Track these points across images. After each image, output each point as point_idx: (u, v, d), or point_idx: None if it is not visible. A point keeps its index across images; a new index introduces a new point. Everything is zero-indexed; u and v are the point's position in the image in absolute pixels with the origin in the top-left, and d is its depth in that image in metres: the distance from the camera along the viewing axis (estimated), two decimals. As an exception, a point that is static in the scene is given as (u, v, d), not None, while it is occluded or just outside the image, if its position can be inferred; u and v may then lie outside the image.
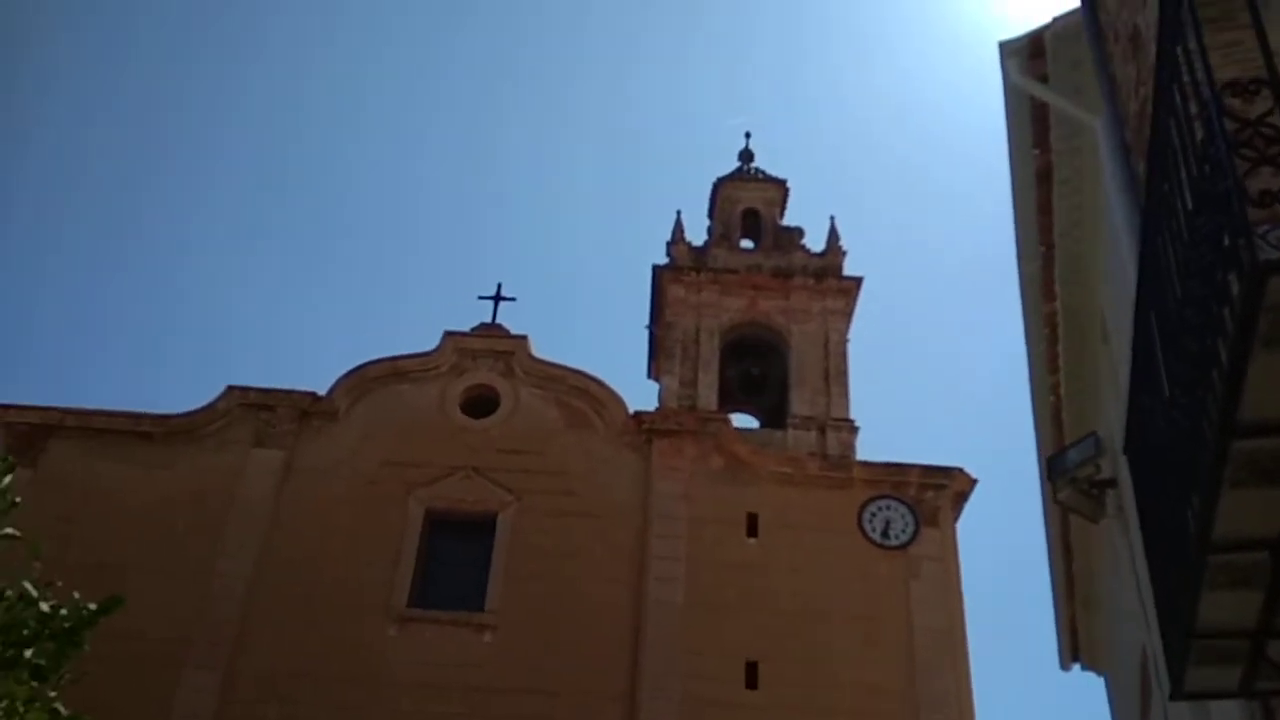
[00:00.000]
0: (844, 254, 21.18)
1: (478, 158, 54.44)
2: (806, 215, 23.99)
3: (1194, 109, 3.41)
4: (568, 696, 15.00)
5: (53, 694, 4.07)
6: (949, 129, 55.22)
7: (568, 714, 14.86)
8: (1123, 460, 6.00)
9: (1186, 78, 3.41)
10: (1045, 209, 7.78)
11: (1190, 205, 3.39)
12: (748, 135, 24.30)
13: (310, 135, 52.86)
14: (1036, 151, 7.50)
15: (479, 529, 16.56)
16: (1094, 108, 6.58)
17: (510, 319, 19.12)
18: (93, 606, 3.99)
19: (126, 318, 46.79)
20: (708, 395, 19.19)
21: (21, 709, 3.98)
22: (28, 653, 3.91)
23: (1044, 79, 7.00)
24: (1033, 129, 7.41)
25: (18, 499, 4.23)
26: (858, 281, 20.59)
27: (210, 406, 17.44)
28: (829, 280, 20.56)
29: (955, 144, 54.03)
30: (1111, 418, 7.60)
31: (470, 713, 14.80)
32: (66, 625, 3.95)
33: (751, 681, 15.36)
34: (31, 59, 44.53)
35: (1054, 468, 8.29)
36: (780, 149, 47.84)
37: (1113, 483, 7.80)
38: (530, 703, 14.91)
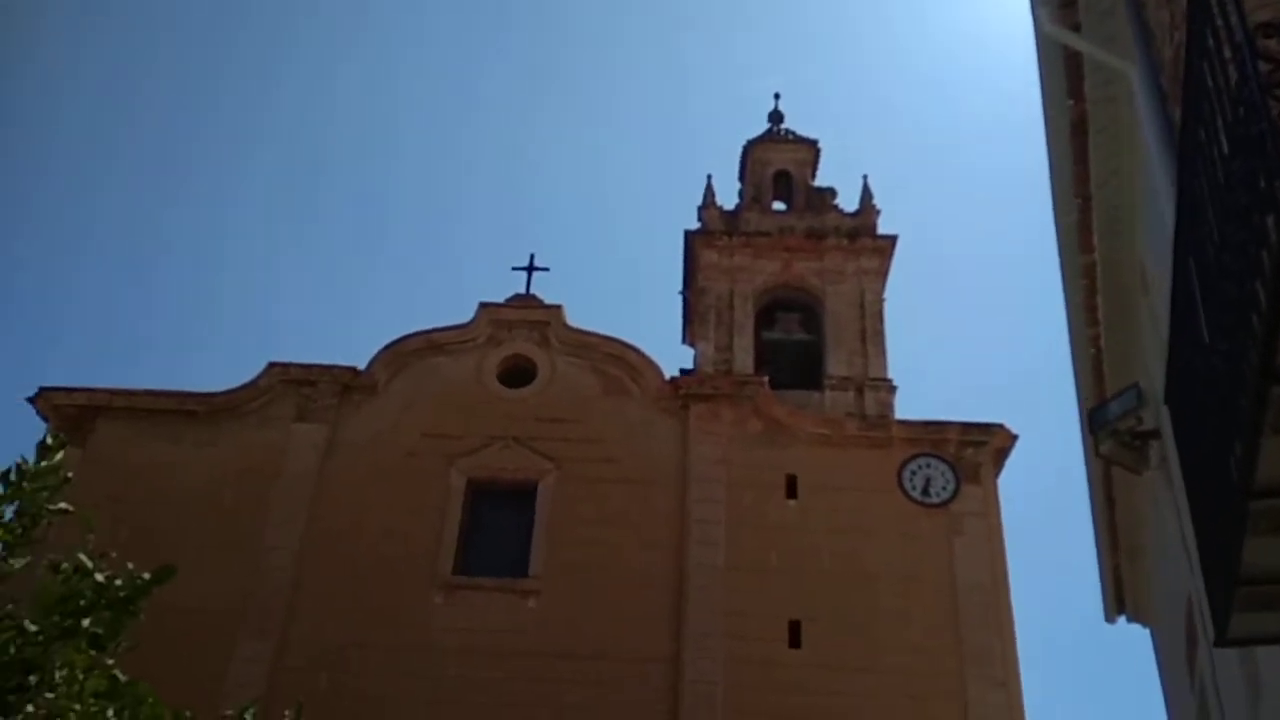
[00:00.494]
0: (878, 213, 21.02)
1: (508, 131, 54.42)
2: (839, 176, 23.87)
3: (1227, 52, 3.35)
4: (612, 659, 15.18)
5: (110, 661, 4.19)
6: (980, 83, 54.42)
7: (613, 676, 15.05)
8: (1164, 410, 5.96)
9: (1219, 21, 3.36)
10: (1081, 160, 7.67)
11: (1226, 149, 3.35)
12: (777, 96, 24.12)
13: (346, 113, 53.05)
14: (1071, 102, 7.39)
15: (520, 497, 16.72)
16: (1128, 55, 6.47)
17: (544, 289, 19.22)
18: (146, 576, 4.10)
19: (168, 299, 47.38)
20: (743, 359, 19.17)
21: (81, 676, 4.11)
22: (85, 622, 4.03)
23: (1076, 28, 6.88)
24: (1066, 79, 7.29)
25: (69, 474, 4.34)
26: (892, 240, 20.43)
27: (252, 384, 17.69)
28: (863, 240, 20.41)
29: (987, 98, 53.26)
30: (1153, 369, 7.53)
31: (516, 677, 15.02)
32: (121, 595, 4.07)
33: (795, 641, 15.46)
34: (69, 30, 44.94)
35: (1096, 421, 8.23)
36: (810, 110, 47.42)
37: (1155, 434, 7.73)
38: (575, 666, 15.10)
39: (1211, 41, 3.41)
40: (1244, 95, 3.12)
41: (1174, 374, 4.73)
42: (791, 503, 16.64)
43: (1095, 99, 7.31)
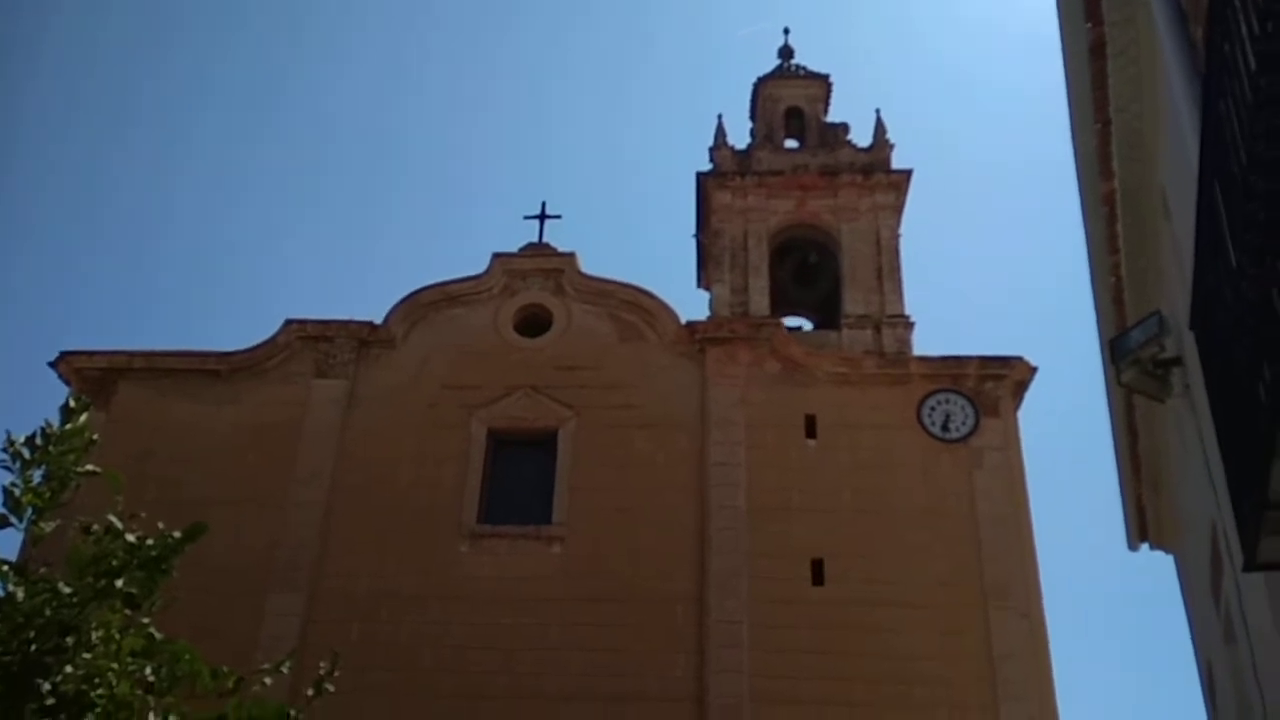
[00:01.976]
0: (892, 147, 20.75)
1: (516, 79, 53.85)
2: (851, 111, 23.53)
3: (1255, -37, 3.25)
4: (638, 602, 15.34)
5: (146, 620, 4.25)
6: (994, 8, 53.36)
7: (639, 618, 15.22)
8: (1189, 337, 5.90)
9: (1246, -69, 3.25)
10: (1100, 84, 7.53)
11: (1254, 65, 3.26)
12: (786, 31, 23.70)
13: (357, 67, 52.59)
14: (1089, 25, 7.23)
15: (541, 445, 16.80)
16: (1147, -27, 6.32)
17: (556, 237, 19.13)
18: (177, 534, 4.13)
19: (181, 260, 47.47)
20: (759, 300, 19.09)
21: (118, 636, 4.16)
22: (119, 582, 4.07)
23: (1093, -53, 6.72)
24: (1084, 1, 7.14)
25: (96, 436, 4.36)
26: (907, 175, 20.19)
27: (271, 341, 17.75)
28: (877, 175, 20.17)
29: (1002, 24, 52.29)
30: (1175, 295, 7.44)
31: (544, 622, 15.21)
32: (153, 554, 4.11)
33: (818, 578, 15.57)
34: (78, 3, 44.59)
35: (1117, 349, 8.17)
36: (820, 45, 46.68)
37: (1178, 361, 7.67)
38: (601, 610, 15.28)
39: (1237, -46, 3.31)
40: (1273, 8, 3.03)
41: (1199, 300, 4.67)
42: (811, 442, 16.65)
43: (1113, 21, 7.16)
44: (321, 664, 4.95)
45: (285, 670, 4.79)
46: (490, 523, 16.23)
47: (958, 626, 15.16)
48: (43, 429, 4.23)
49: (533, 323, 18.06)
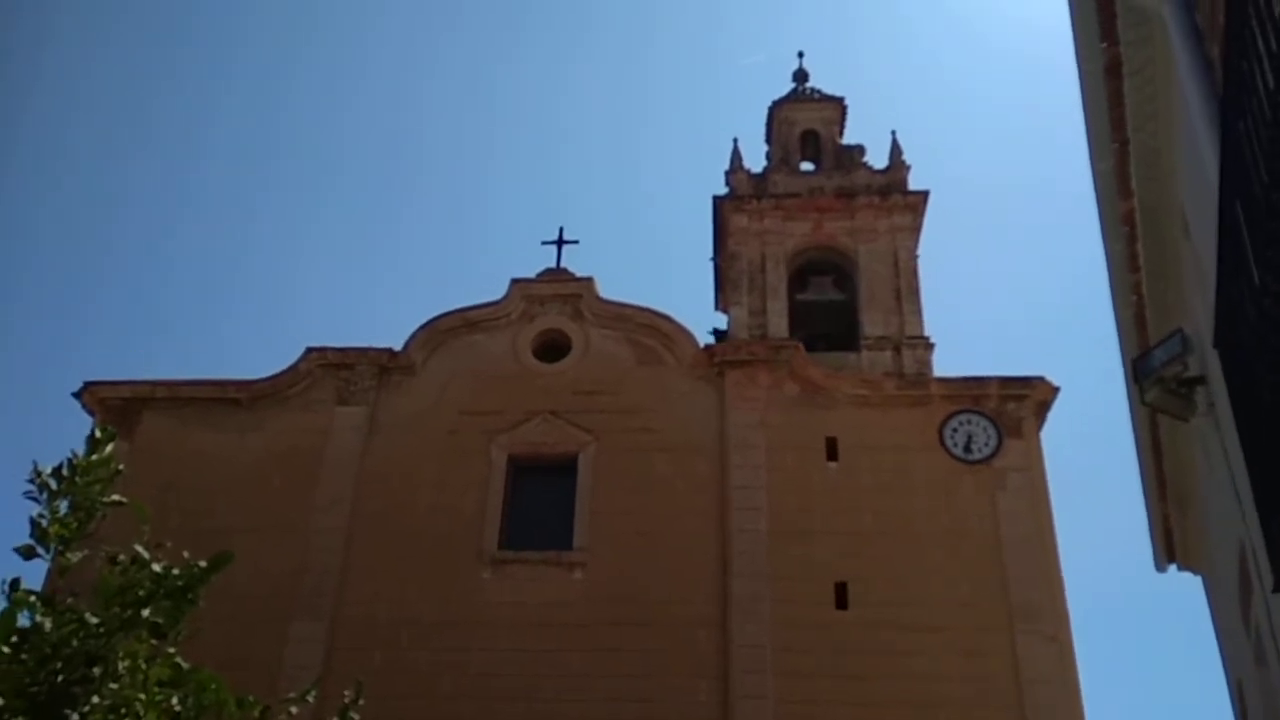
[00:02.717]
0: (908, 168, 20.76)
1: (533, 106, 54.22)
2: (867, 133, 23.53)
3: (1272, -18, 3.25)
4: (660, 626, 15.28)
5: (171, 650, 4.26)
6: (1010, 29, 53.43)
7: (661, 643, 15.15)
8: (1212, 355, 5.86)
9: (1263, -51, 3.26)
10: (1117, 104, 7.52)
11: (1272, 83, 3.26)
12: (800, 55, 23.81)
13: (373, 93, 53.10)
14: (1104, 45, 7.23)
15: (561, 470, 16.80)
16: (1162, -7, 6.32)
17: (574, 262, 19.21)
18: (203, 564, 4.16)
19: (199, 288, 47.87)
20: (778, 323, 19.08)
21: (144, 665, 4.18)
22: (145, 612, 4.09)
23: (1107, -32, 6.73)
24: (1099, 21, 7.14)
25: (121, 467, 4.40)
26: (924, 195, 20.18)
27: (292, 369, 17.86)
28: (894, 196, 20.18)
29: (1018, 45, 52.37)
30: (1198, 313, 7.40)
31: (565, 648, 15.16)
32: (180, 583, 4.13)
33: (841, 602, 15.47)
34: (89, 9, 45.21)
35: (1140, 369, 8.12)
36: (835, 68, 46.80)
37: (1202, 379, 7.62)
38: (623, 635, 15.22)
39: (1254, -27, 3.31)
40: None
41: (1223, 318, 4.65)
42: (832, 465, 16.59)
43: (1129, 40, 7.15)
44: (346, 692, 4.96)
45: (310, 699, 4.80)
46: (511, 548, 16.23)
47: (983, 649, 15.02)
48: (69, 459, 4.27)
49: (551, 348, 18.11)
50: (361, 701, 5.00)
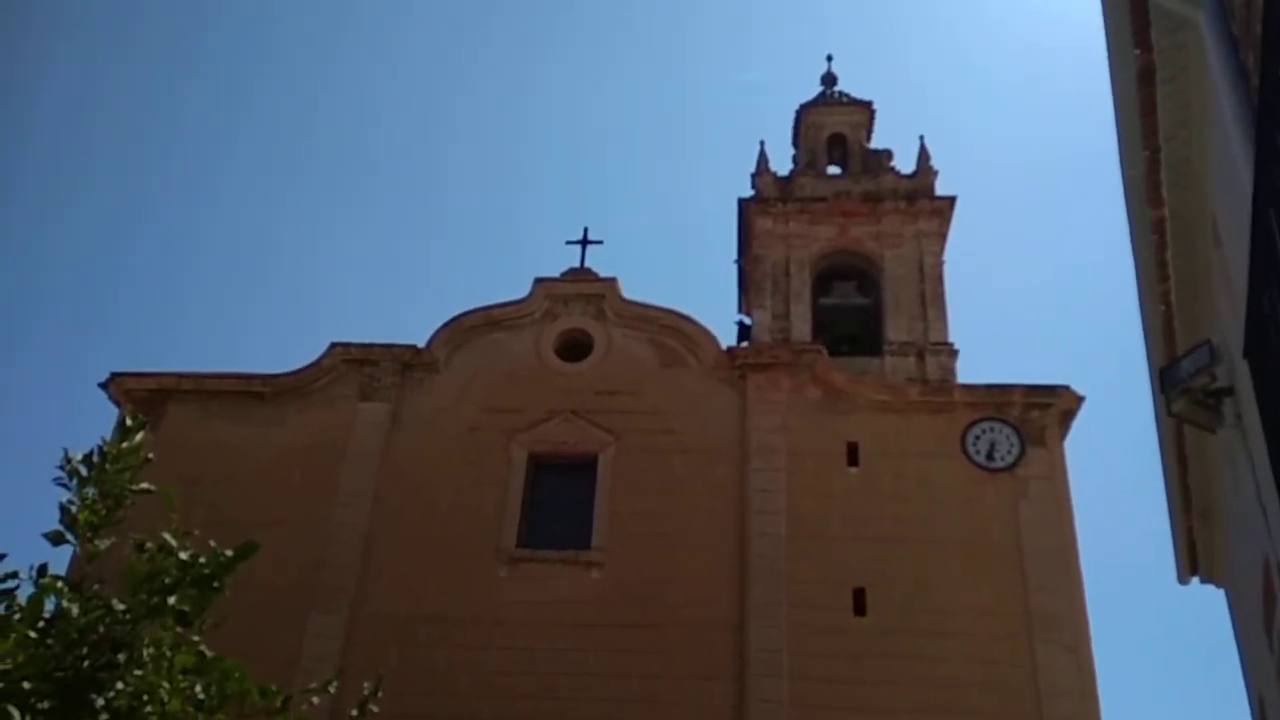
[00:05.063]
0: (935, 174, 20.67)
1: (560, 105, 54.32)
2: (895, 138, 23.47)
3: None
4: (677, 628, 15.26)
5: (196, 638, 4.30)
6: (1041, 35, 53.10)
7: (677, 645, 15.13)
8: (1241, 366, 5.81)
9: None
10: (1149, 111, 7.47)
11: (1311, 91, 3.23)
12: (829, 59, 23.77)
13: (399, 90, 53.35)
14: (1137, 51, 7.19)
15: (580, 470, 16.81)
16: (1196, 1, 6.27)
17: (598, 262, 19.22)
18: (229, 553, 4.19)
19: (227, 282, 48.20)
20: (801, 327, 19.04)
21: (169, 653, 4.22)
22: (171, 600, 4.13)
23: (1142, -26, 6.69)
24: (1132, 27, 7.09)
25: (150, 455, 4.44)
26: (951, 201, 20.09)
27: (316, 364, 17.95)
28: (921, 202, 20.10)
29: (1049, 51, 52.02)
30: (1227, 324, 7.34)
31: (582, 647, 15.17)
32: (206, 572, 4.16)
33: (860, 608, 15.40)
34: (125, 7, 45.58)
35: (1167, 379, 8.06)
36: (864, 71, 46.65)
37: (1230, 391, 7.55)
38: (640, 636, 15.21)
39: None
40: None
41: (1253, 328, 4.61)
42: (853, 470, 16.53)
43: (1162, 47, 7.11)
44: (365, 684, 4.98)
45: (332, 690, 4.83)
46: (529, 547, 16.25)
47: (1002, 659, 14.92)
48: (100, 447, 4.31)
49: (574, 347, 18.14)
50: (380, 695, 5.02)
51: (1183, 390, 7.88)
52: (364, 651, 15.13)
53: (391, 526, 16.44)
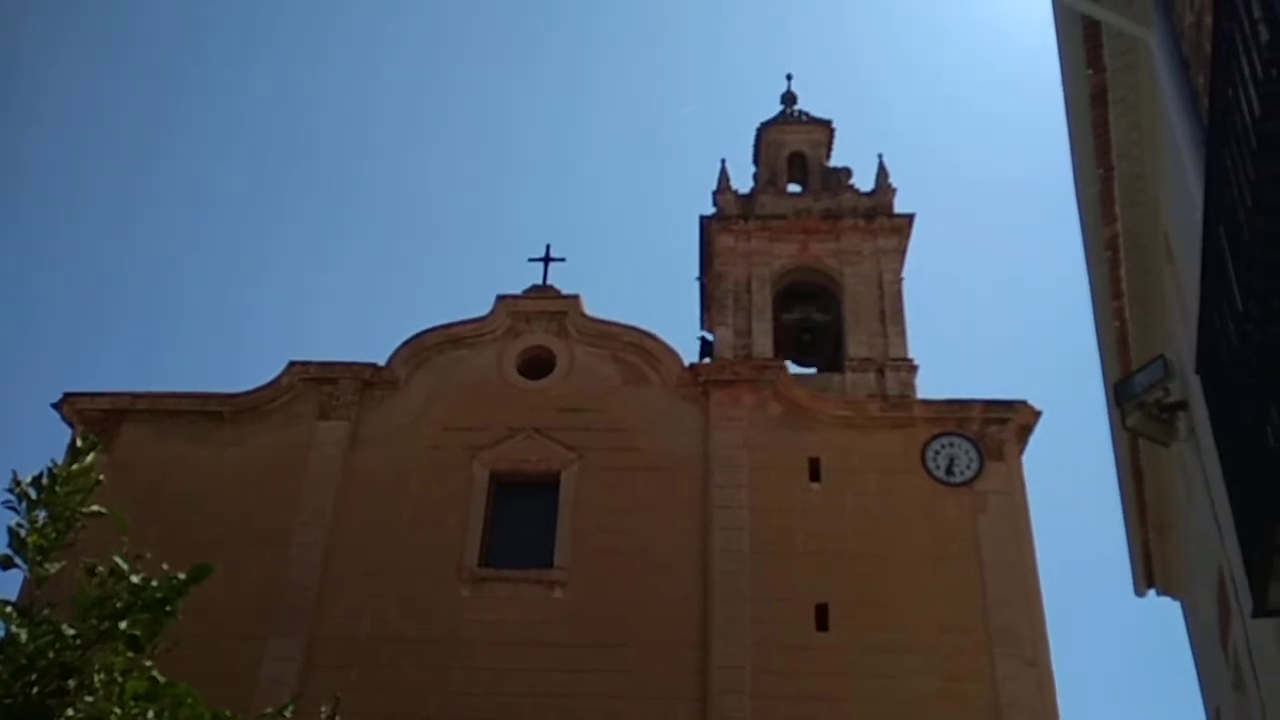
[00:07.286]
0: (894, 192, 20.87)
1: (519, 124, 54.33)
2: (854, 156, 23.64)
3: (1257, 11, 3.30)
4: (640, 646, 15.21)
5: (149, 663, 4.21)
6: (997, 55, 53.91)
7: (641, 664, 15.08)
8: (1194, 380, 5.90)
9: (1249, -21, 3.30)
10: (1102, 130, 7.60)
11: (1258, 111, 3.30)
12: (789, 78, 23.94)
13: (362, 117, 53.08)
14: (1090, 72, 7.31)
15: (543, 488, 16.74)
16: (1147, 22, 6.40)
17: (561, 280, 19.20)
18: (182, 576, 4.11)
19: (185, 303, 47.60)
20: (763, 343, 19.10)
21: (120, 678, 4.12)
22: (122, 624, 4.03)
23: (1094, -4, 6.80)
24: (1085, 48, 7.22)
25: (101, 477, 4.35)
26: (909, 219, 20.29)
27: (274, 383, 17.76)
28: (880, 219, 20.27)
29: (1005, 71, 52.78)
30: (1180, 339, 7.46)
31: (545, 667, 15.07)
32: (158, 596, 4.07)
33: (822, 624, 15.44)
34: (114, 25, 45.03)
35: (1122, 394, 8.17)
36: (823, 90, 47.09)
37: (1183, 405, 7.67)
38: (603, 655, 15.14)
39: (1241, 1, 3.36)
40: (1277, 54, 3.07)
41: (1205, 343, 4.68)
42: (815, 485, 16.60)
43: (1115, 68, 7.24)
44: (323, 708, 4.90)
45: (288, 715, 4.75)
46: (492, 566, 16.14)
47: (963, 673, 15.01)
48: (49, 469, 4.22)
49: (536, 365, 18.08)
50: (338, 718, 4.94)
51: (1137, 404, 7.99)
52: (324, 674, 14.92)
53: (352, 546, 16.26)
